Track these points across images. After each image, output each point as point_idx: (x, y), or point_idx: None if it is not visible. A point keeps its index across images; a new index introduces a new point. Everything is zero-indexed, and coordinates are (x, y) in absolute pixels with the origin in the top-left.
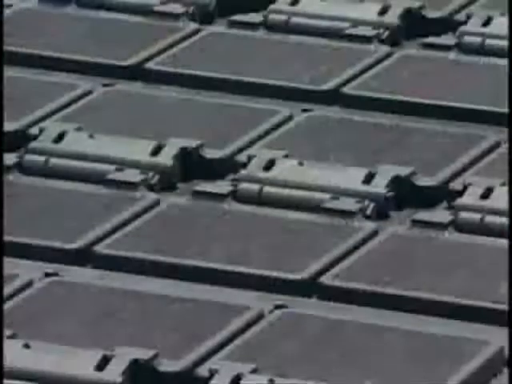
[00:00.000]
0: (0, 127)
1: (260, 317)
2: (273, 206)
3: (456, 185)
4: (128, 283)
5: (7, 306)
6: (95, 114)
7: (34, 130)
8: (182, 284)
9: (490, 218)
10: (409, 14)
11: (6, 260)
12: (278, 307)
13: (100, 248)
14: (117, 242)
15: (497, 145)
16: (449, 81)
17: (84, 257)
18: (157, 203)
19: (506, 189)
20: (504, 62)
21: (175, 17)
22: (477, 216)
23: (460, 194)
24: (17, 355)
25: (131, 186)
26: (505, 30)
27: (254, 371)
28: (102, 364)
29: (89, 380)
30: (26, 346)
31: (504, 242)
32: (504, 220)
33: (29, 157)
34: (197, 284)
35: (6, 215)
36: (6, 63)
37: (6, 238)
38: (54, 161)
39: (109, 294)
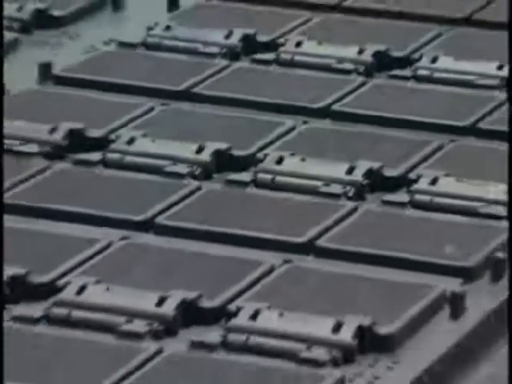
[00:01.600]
0: (0, 126)
1: (272, 269)
2: (283, 191)
3: (412, 175)
4: (183, 245)
5: (94, 262)
6: None
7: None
8: (218, 246)
9: (437, 199)
10: (371, 174)
11: (88, 227)
12: (285, 262)
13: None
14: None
15: (440, 147)
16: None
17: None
18: (199, 188)
19: (448, 178)
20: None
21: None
22: (427, 197)
23: (415, 181)
24: (99, 294)
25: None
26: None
27: (268, 308)
28: (160, 302)
29: (151, 312)
30: (107, 289)
31: (447, 216)
32: (447, 200)
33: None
34: (228, 246)
35: None
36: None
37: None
38: None
39: (170, 253)
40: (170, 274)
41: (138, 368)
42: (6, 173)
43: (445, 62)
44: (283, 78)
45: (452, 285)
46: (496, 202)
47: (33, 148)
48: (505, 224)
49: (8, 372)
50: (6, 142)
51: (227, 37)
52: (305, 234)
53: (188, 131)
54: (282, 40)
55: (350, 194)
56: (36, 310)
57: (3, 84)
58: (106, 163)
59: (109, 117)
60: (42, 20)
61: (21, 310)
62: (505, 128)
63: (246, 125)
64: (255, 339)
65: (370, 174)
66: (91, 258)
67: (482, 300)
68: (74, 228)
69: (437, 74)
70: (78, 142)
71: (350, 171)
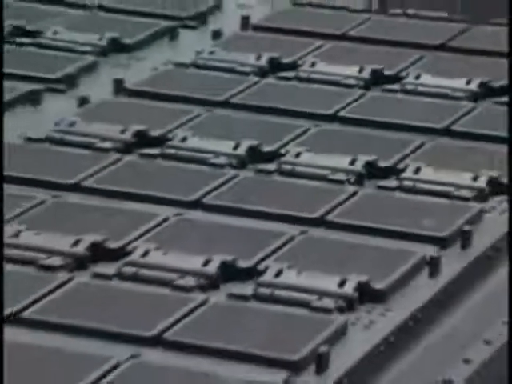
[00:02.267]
0: (0, 127)
1: (292, 238)
2: (299, 178)
3: (400, 166)
4: (224, 220)
5: (155, 232)
6: None
7: None
8: (251, 220)
9: (419, 184)
10: (369, 165)
11: (151, 205)
12: (302, 232)
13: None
14: None
15: (422, 144)
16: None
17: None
18: (236, 176)
19: (428, 168)
20: None
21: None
22: (412, 183)
23: (402, 171)
24: (158, 257)
25: None
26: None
27: (288, 268)
28: (206, 263)
29: (199, 271)
30: (165, 253)
31: (427, 198)
32: (427, 185)
33: None
34: (258, 220)
35: None
36: None
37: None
38: None
39: (213, 226)
40: (214, 242)
41: (188, 314)
42: (85, 163)
43: (425, 78)
44: (301, 90)
45: (430, 251)
46: (464, 187)
47: (108, 144)
48: (472, 204)
49: (91, 315)
50: (87, 139)
51: (257, 59)
52: (317, 211)
53: (227, 131)
54: (300, 62)
55: (352, 181)
56: (110, 269)
57: (3, 85)
58: (164, 156)
59: (167, 120)
60: (116, 46)
61: (99, 269)
62: (471, 130)
63: (272, 127)
64: (278, 292)
65: (367, 164)
66: (153, 228)
67: (454, 263)
68: (140, 206)
69: (420, 88)
70: (142, 139)
71: (352, 163)
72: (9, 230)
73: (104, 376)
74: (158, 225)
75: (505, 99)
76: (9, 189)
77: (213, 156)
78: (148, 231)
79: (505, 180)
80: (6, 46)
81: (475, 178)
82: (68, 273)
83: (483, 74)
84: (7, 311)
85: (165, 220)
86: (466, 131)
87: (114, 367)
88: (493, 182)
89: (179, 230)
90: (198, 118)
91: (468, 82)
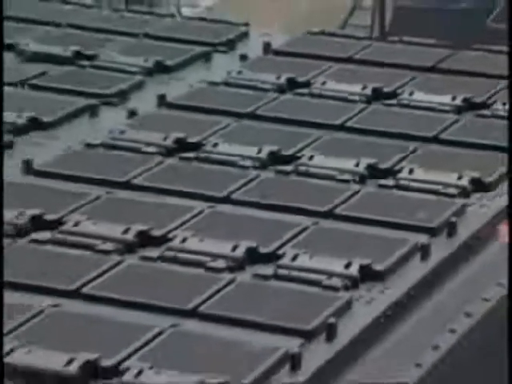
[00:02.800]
0: (0, 127)
1: (305, 228)
2: (312, 178)
3: (397, 168)
4: (249, 213)
5: (190, 223)
6: None
7: None
8: (271, 213)
9: (413, 183)
10: (370, 167)
11: (185, 200)
12: (314, 223)
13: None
14: None
15: (415, 149)
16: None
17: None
18: (258, 176)
19: (420, 170)
20: None
21: None
22: (407, 182)
23: (399, 172)
24: (195, 244)
25: None
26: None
27: (304, 253)
28: (234, 248)
29: (226, 254)
30: (200, 240)
31: (419, 194)
32: (418, 184)
33: None
34: (277, 213)
35: None
36: None
37: None
38: None
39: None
40: (240, 231)
41: (219, 291)
42: (134, 165)
43: (418, 95)
44: (313, 105)
45: (422, 239)
46: (450, 186)
47: (153, 149)
48: (457, 200)
49: (138, 292)
50: (136, 145)
51: (277, 78)
52: (327, 206)
53: (252, 138)
54: (313, 81)
55: (356, 180)
56: (155, 253)
57: (3, 84)
58: (199, 159)
59: (201, 129)
60: (160, 68)
61: (145, 253)
62: (456, 138)
63: (289, 135)
64: (294, 273)
65: (369, 167)
66: (190, 219)
67: (441, 249)
68: (180, 200)
69: (413, 103)
70: (181, 145)
71: (356, 165)
72: (70, 220)
73: (149, 342)
74: (195, 216)
75: (485, 112)
76: (71, 186)
77: (240, 159)
78: (186, 222)
79: (485, 179)
80: (69, 68)
81: (459, 178)
82: (119, 256)
83: (466, 92)
84: (71, 286)
85: (200, 212)
86: (452, 139)
87: (158, 334)
88: (474, 181)
89: (212, 221)
90: (227, 128)
91: (453, 98)
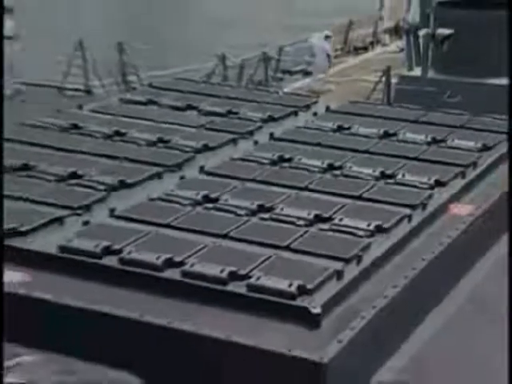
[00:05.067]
0: (0, 127)
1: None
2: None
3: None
4: None
5: None
6: None
7: None
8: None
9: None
10: None
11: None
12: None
13: None
14: None
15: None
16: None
17: None
18: None
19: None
20: None
21: None
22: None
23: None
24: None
25: None
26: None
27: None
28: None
29: None
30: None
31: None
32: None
33: None
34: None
35: None
36: None
37: None
38: None
39: None
40: None
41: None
42: (174, 211)
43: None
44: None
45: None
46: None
47: (187, 202)
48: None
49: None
50: (177, 199)
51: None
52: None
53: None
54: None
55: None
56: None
57: (3, 83)
58: (216, 209)
59: (220, 189)
60: (206, 148)
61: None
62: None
63: None
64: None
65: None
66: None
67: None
68: None
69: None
70: (207, 199)
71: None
72: None
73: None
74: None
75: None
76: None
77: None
78: None
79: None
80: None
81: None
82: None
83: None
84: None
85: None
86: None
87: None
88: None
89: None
90: (235, 189)
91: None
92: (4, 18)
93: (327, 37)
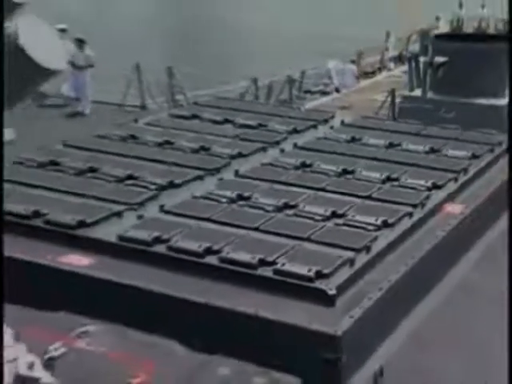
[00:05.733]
0: (0, 128)
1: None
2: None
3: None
4: None
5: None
6: None
7: None
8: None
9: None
10: None
11: None
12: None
13: None
14: None
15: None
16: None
17: None
18: None
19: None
20: None
21: None
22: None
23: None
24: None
25: None
26: None
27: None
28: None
29: None
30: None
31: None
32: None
33: None
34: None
35: None
36: None
37: None
38: None
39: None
40: None
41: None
42: (213, 207)
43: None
44: None
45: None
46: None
47: (224, 200)
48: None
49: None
50: (216, 197)
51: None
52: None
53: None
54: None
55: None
56: None
57: (3, 86)
58: (248, 206)
59: (252, 189)
60: (240, 155)
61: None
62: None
63: None
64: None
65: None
66: None
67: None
68: None
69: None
70: (239, 198)
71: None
72: None
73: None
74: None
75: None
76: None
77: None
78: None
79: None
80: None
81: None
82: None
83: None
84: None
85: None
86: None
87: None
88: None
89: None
90: (267, 189)
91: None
92: (84, 48)
93: (353, 61)
